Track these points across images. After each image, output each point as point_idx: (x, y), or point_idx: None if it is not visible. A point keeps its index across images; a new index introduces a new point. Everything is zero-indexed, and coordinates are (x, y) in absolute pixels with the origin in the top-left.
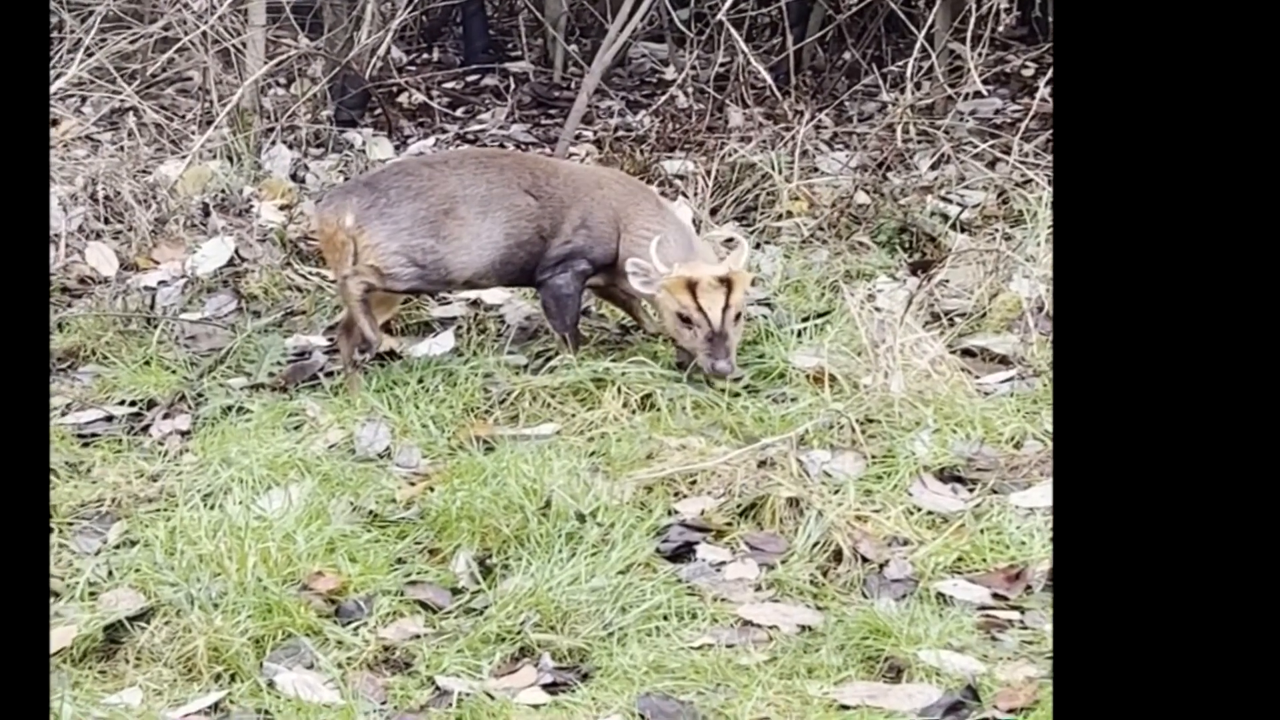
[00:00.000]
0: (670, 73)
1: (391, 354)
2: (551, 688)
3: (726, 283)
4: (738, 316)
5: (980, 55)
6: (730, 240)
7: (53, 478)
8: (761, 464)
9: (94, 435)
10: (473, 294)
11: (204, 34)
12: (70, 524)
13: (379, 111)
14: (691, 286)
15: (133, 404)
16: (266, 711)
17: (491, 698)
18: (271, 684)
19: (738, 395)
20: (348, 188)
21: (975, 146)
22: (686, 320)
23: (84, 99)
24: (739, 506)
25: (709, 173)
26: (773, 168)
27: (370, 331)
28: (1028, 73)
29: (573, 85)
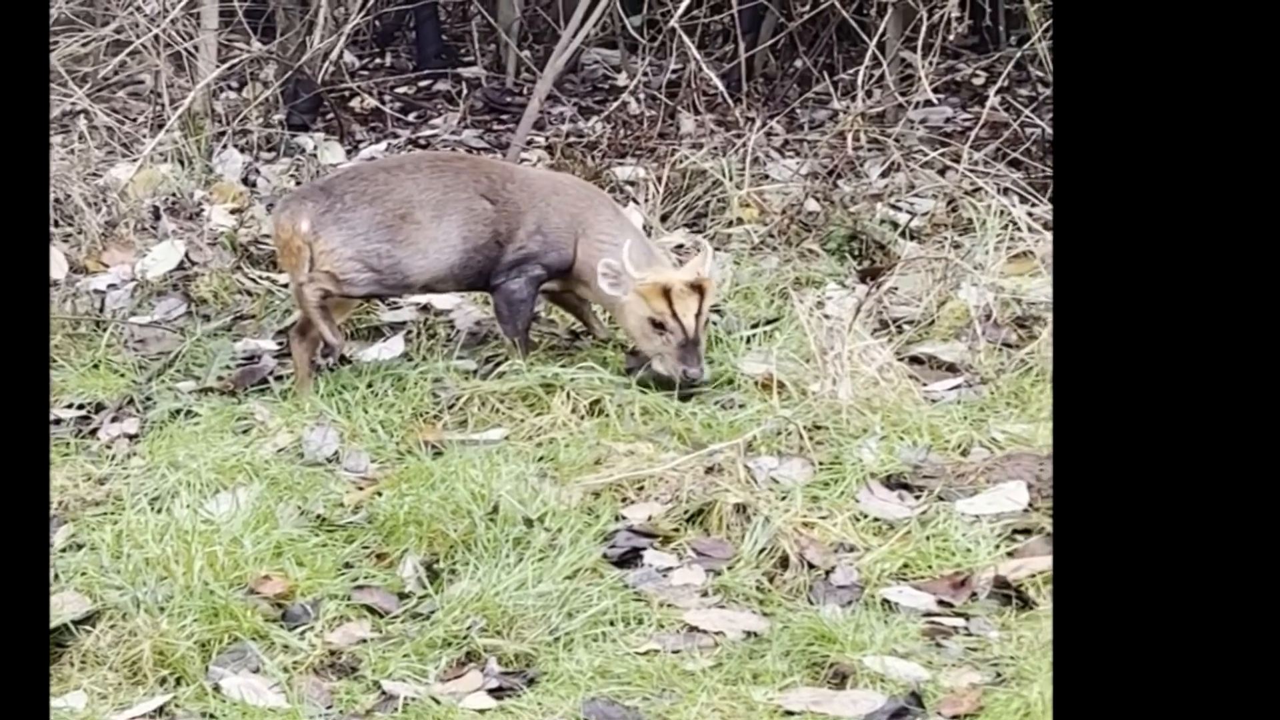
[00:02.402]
0: (622, 79)
1: (341, 358)
2: (497, 692)
3: (698, 289)
4: (706, 322)
5: (931, 64)
6: (680, 246)
7: None
8: (709, 470)
9: None
10: (424, 298)
11: (156, 37)
12: None
13: (331, 116)
14: (666, 292)
15: (80, 407)
16: (212, 715)
17: (437, 702)
18: (217, 688)
19: (686, 400)
20: (303, 192)
21: (925, 155)
22: (659, 326)
23: None
24: (686, 512)
25: (660, 179)
26: (723, 174)
27: (331, 335)
28: (978, 81)
29: (525, 91)
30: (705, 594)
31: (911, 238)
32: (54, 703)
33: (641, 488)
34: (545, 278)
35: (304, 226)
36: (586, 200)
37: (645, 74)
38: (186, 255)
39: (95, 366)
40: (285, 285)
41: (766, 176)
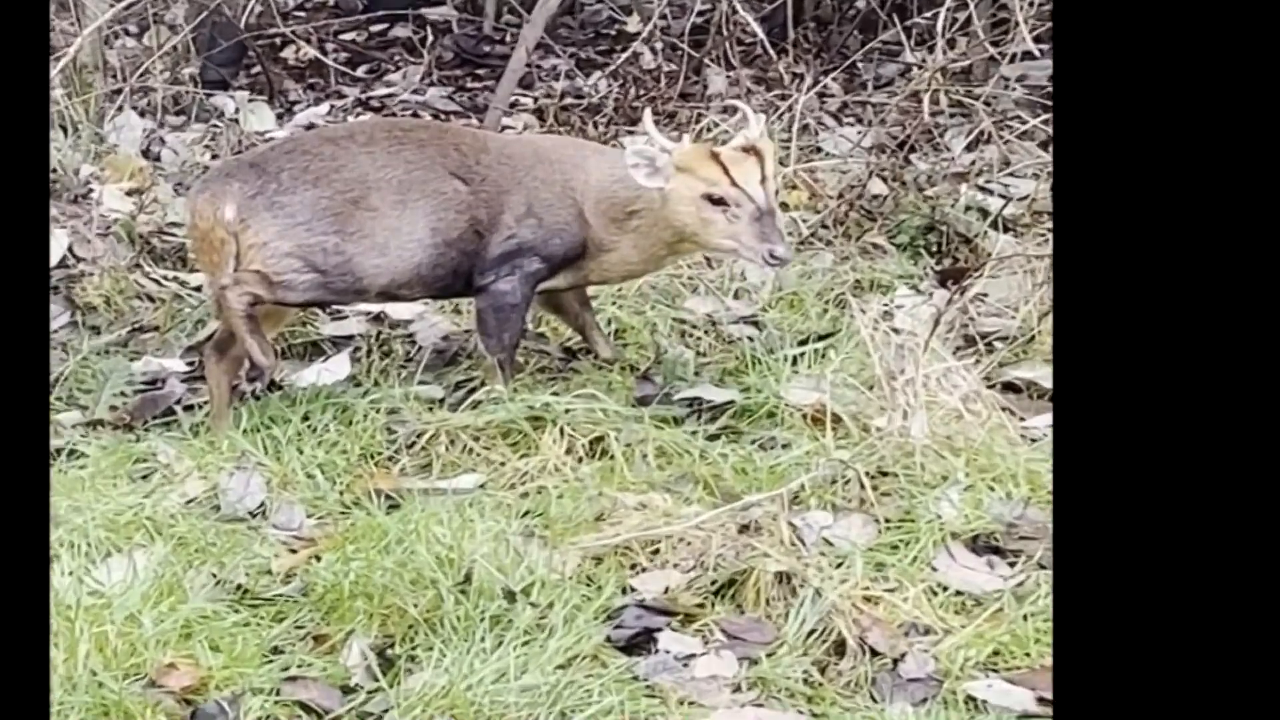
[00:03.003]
0: (633, 24)
1: (271, 383)
2: None
3: (755, 153)
4: (776, 192)
5: (1032, 4)
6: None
7: None
8: (744, 529)
9: None
10: (380, 306)
11: None
12: None
13: (257, 70)
14: (716, 158)
15: None
16: None
17: None
18: None
19: (715, 439)
20: (227, 170)
21: (1023, 122)
22: (718, 201)
23: None
24: (714, 583)
25: None
26: None
27: (260, 354)
28: None
29: (508, 38)
30: (738, 689)
31: (1005, 229)
32: None
33: (656, 551)
34: (545, 274)
35: (228, 213)
36: (578, 159)
37: (663, 17)
38: (70, 249)
39: None
40: (200, 289)
41: (819, 150)
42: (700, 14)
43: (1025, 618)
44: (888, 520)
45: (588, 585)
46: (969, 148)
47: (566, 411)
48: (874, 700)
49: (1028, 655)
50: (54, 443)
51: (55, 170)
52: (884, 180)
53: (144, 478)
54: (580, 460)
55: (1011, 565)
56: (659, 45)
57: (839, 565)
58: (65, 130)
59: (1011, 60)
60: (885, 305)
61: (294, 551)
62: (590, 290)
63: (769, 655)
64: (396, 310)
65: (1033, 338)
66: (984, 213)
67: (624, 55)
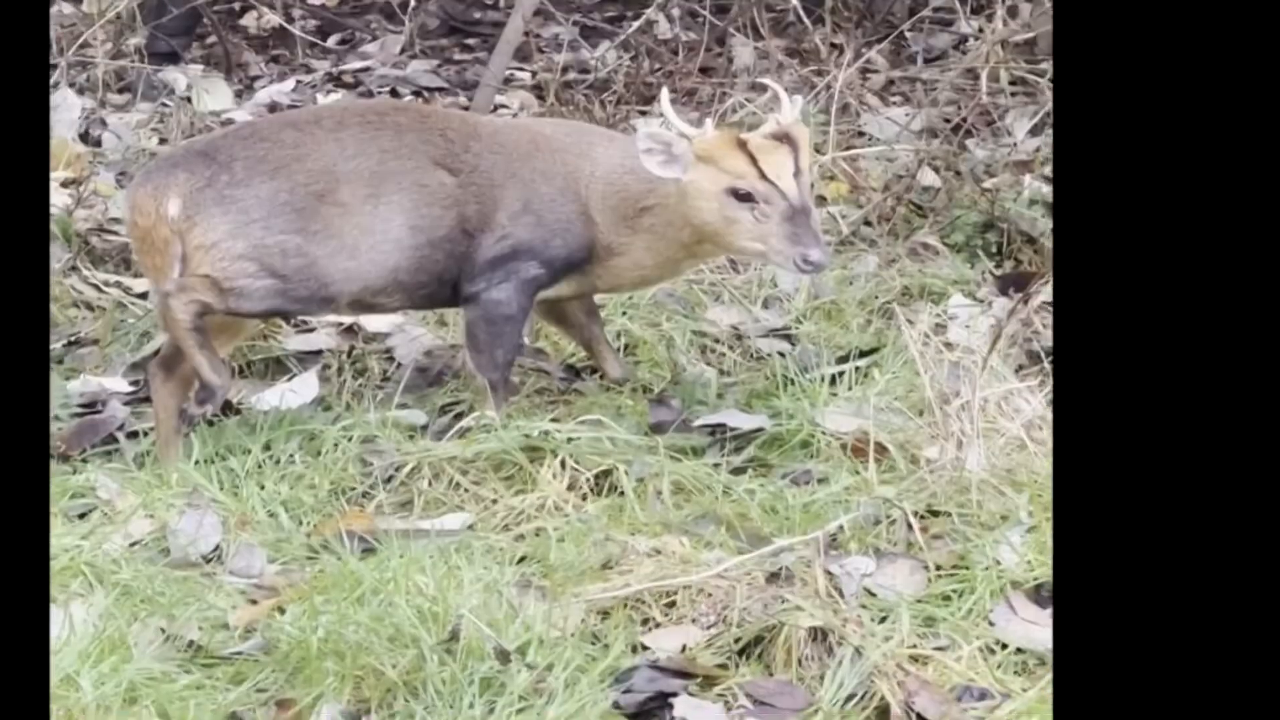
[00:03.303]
0: None
1: (225, 406)
2: None
3: (786, 140)
4: (811, 186)
5: None
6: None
7: None
8: (773, 577)
9: None
10: (351, 318)
11: None
12: None
13: (212, 40)
14: (743, 146)
15: None
16: None
17: None
18: None
19: (740, 473)
20: (173, 159)
21: None
22: (744, 197)
23: None
24: (739, 640)
25: None
26: None
27: (210, 372)
28: None
29: (501, 3)
30: None
31: None
32: None
33: (673, 603)
34: (545, 280)
35: (172, 209)
36: (583, 146)
37: None
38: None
39: None
40: (144, 295)
41: (861, 134)
42: None
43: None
44: (939, 567)
45: (593, 643)
46: (1033, 132)
47: (569, 441)
48: None
49: None
50: None
51: None
52: (936, 170)
53: (81, 516)
54: (584, 498)
55: None
56: (676, 11)
57: (882, 620)
58: None
59: None
60: (937, 316)
61: (254, 602)
62: (597, 299)
63: None
64: (372, 322)
65: None
66: (1050, 207)
67: (636, 23)
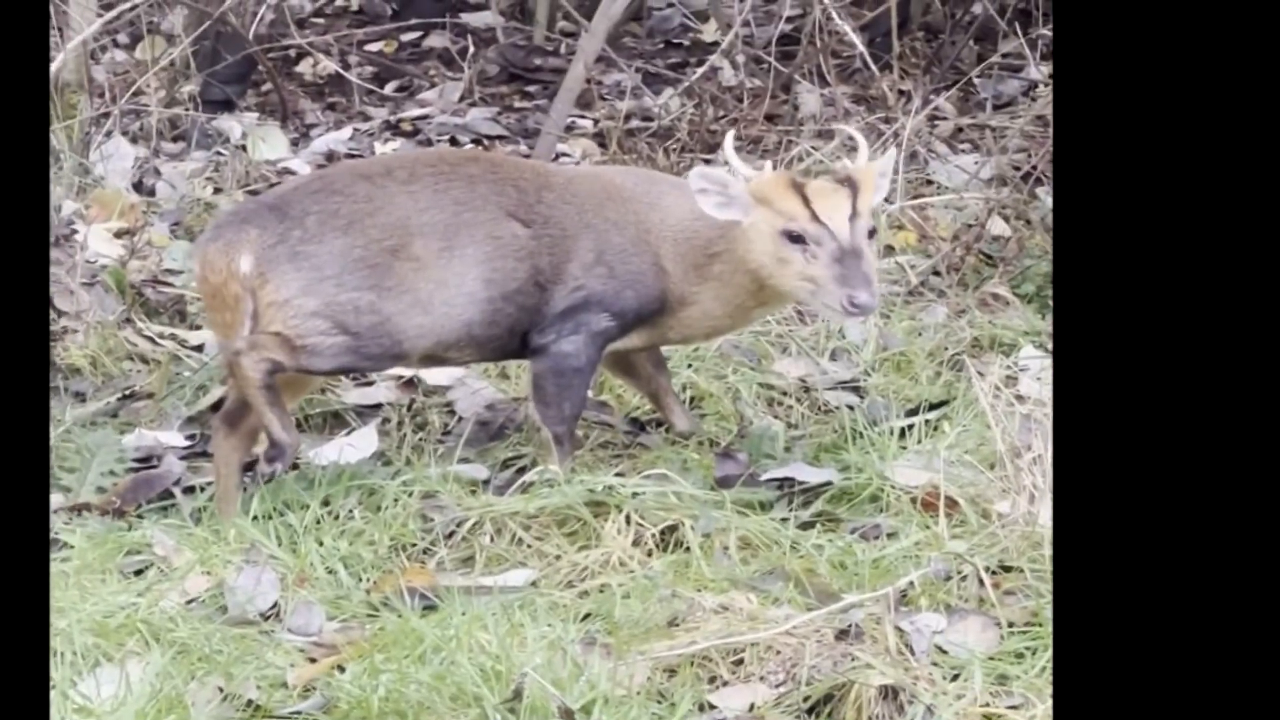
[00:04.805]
0: (710, 32)
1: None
2: None
3: (849, 183)
4: (872, 232)
5: None
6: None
7: None
8: (842, 633)
9: None
10: (412, 371)
11: None
12: None
13: (267, 88)
14: (799, 189)
15: None
16: None
17: None
18: None
19: (808, 527)
20: (242, 213)
21: None
22: (797, 239)
23: None
24: (807, 699)
25: None
26: None
27: (281, 430)
28: None
29: (563, 49)
30: None
31: None
32: None
33: (740, 661)
34: (615, 333)
35: (244, 266)
36: (654, 195)
37: (746, 24)
38: (51, 301)
39: None
40: (200, 348)
41: (930, 182)
42: (789, 21)
43: None
44: (1011, 624)
45: (659, 702)
46: None
47: (634, 495)
48: None
49: None
50: None
51: None
52: (1005, 219)
53: (138, 573)
54: (650, 554)
55: None
56: (741, 58)
57: (954, 677)
58: None
59: None
60: (1008, 368)
61: (313, 661)
62: (664, 351)
63: None
64: (432, 376)
65: None
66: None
67: (700, 70)
